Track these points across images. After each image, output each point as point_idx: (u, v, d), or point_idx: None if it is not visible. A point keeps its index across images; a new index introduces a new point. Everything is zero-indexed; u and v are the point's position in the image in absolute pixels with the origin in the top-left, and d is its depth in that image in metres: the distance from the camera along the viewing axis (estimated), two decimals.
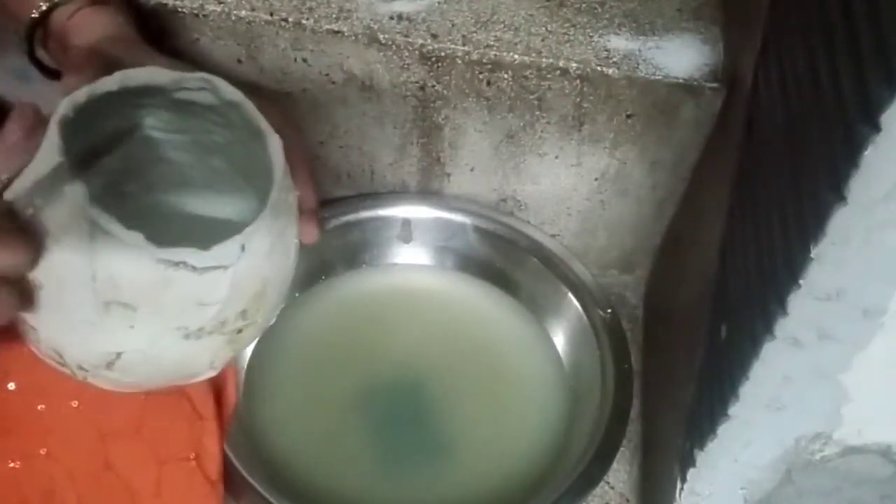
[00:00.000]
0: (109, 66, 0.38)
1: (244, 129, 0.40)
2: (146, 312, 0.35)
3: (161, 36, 0.54)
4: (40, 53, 0.47)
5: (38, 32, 0.46)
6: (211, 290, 0.35)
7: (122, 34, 0.45)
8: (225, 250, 0.35)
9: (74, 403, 0.46)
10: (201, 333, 0.36)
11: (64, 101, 0.34)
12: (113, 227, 0.32)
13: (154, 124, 0.42)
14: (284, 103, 0.57)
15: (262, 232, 0.36)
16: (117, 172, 0.43)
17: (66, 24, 0.45)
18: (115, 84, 0.36)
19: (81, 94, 0.35)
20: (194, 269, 0.34)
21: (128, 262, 0.33)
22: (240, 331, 0.38)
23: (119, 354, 0.36)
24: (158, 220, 0.35)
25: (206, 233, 0.41)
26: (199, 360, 0.38)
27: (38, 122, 0.35)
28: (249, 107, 0.39)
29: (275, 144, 0.38)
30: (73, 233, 0.32)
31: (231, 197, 0.46)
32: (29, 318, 0.35)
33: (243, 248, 0.35)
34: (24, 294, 0.33)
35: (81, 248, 0.33)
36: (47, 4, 0.45)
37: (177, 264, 0.34)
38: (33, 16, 0.45)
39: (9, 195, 0.33)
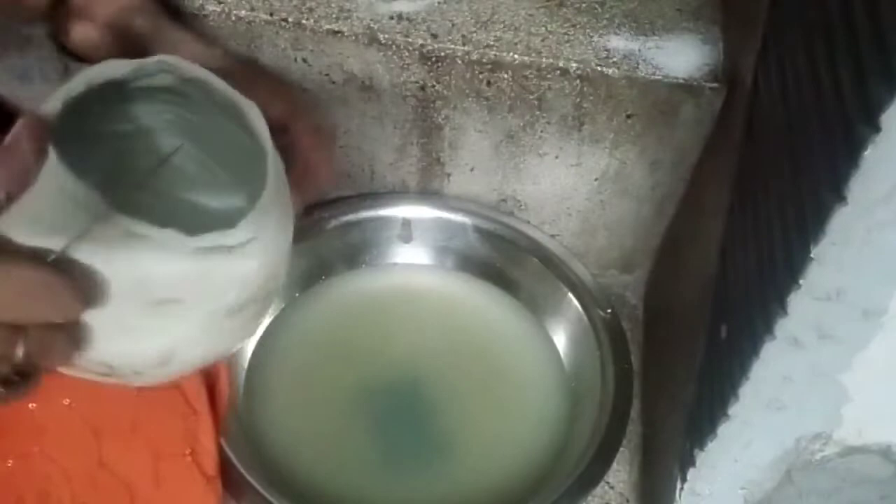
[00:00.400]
0: (129, 42, 0.37)
1: (209, 106, 0.40)
2: (193, 302, 0.35)
3: None
4: (63, 37, 0.47)
5: (60, 13, 0.45)
6: (246, 264, 0.36)
7: (144, 4, 0.44)
8: (252, 222, 0.36)
9: (66, 401, 0.46)
10: (243, 307, 0.37)
11: (49, 117, 0.34)
12: (147, 230, 0.33)
13: (118, 119, 0.42)
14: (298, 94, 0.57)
15: (273, 197, 0.37)
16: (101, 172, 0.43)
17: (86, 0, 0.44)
18: (81, 86, 0.35)
19: (55, 104, 0.34)
20: (230, 249, 0.35)
21: (167, 259, 0.33)
22: (267, 295, 0.39)
23: (173, 350, 0.36)
24: (142, 214, 0.35)
25: (190, 216, 0.42)
26: (238, 334, 0.39)
27: (46, 135, 0.35)
28: (216, 81, 0.39)
29: (253, 113, 0.38)
30: (109, 247, 0.32)
31: (205, 176, 0.46)
32: None
33: (265, 215, 0.36)
34: (80, 336, 0.33)
35: (120, 260, 0.33)
36: None
37: (213, 249, 0.34)
38: None
39: (36, 239, 0.33)
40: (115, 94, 0.39)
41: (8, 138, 0.34)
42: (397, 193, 0.65)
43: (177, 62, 0.38)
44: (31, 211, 0.32)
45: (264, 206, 0.36)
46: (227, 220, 0.47)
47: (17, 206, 0.33)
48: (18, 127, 0.34)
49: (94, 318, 0.33)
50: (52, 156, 0.32)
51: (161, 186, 0.46)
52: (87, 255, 0.32)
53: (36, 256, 0.31)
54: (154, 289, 0.34)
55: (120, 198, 0.41)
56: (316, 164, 0.44)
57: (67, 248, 0.32)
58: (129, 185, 0.45)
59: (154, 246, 0.33)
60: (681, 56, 0.53)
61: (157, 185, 0.46)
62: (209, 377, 0.50)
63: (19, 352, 0.29)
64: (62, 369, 0.36)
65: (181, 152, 0.44)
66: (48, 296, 0.30)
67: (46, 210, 0.32)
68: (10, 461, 0.45)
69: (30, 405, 0.45)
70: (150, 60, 0.38)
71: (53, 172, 0.32)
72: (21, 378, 0.30)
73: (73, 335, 0.32)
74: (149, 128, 0.43)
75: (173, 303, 0.35)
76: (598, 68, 0.52)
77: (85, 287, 0.31)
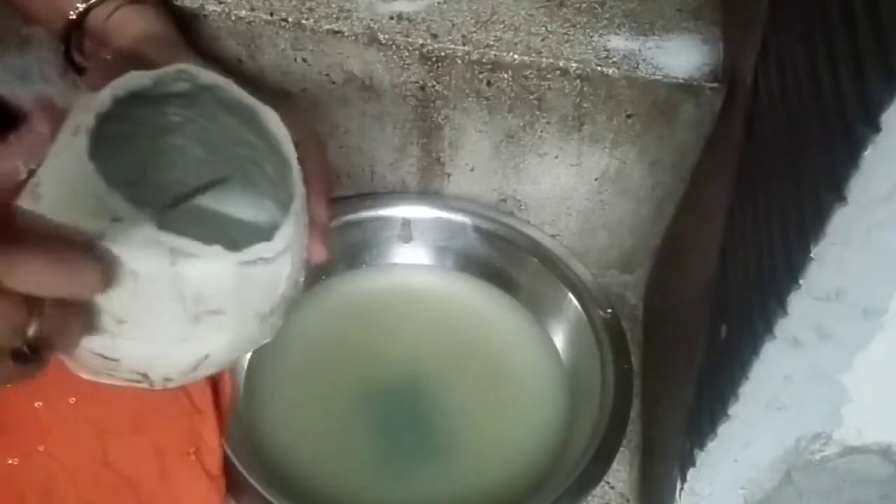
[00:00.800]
0: (145, 67, 0.38)
1: (224, 112, 0.40)
2: (232, 312, 0.36)
3: None
4: (74, 55, 0.47)
5: (73, 33, 0.46)
6: (280, 272, 0.38)
7: (161, 33, 0.45)
8: (285, 233, 0.37)
9: (72, 400, 0.46)
10: (273, 312, 0.39)
11: (82, 139, 0.33)
12: (193, 247, 0.33)
13: (135, 122, 0.42)
14: (295, 108, 0.57)
15: (298, 205, 0.38)
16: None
17: (105, 24, 0.45)
18: (108, 101, 0.36)
19: (89, 119, 0.34)
20: (268, 260, 0.36)
21: (212, 274, 0.34)
22: (291, 299, 0.40)
23: (207, 356, 0.37)
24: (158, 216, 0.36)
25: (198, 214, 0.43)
26: (263, 336, 0.40)
27: (59, 119, 0.35)
28: (233, 88, 0.39)
29: (272, 118, 0.39)
30: (153, 263, 0.33)
31: (213, 179, 0.46)
32: (108, 352, 0.35)
33: (295, 224, 0.38)
34: (91, 318, 0.33)
35: (165, 276, 0.33)
36: (85, 5, 0.45)
37: (254, 262, 0.36)
38: (70, 16, 0.45)
39: (67, 219, 0.33)
40: (134, 100, 0.39)
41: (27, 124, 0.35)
42: (397, 193, 0.65)
43: (196, 70, 0.39)
44: (66, 206, 0.33)
45: (294, 214, 0.38)
46: (232, 221, 0.47)
47: (53, 200, 0.33)
48: (37, 107, 0.35)
49: (136, 330, 0.34)
50: (90, 167, 0.33)
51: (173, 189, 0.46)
52: (130, 271, 0.33)
53: (67, 234, 0.31)
54: (199, 303, 0.35)
55: (143, 199, 0.42)
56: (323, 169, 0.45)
57: (98, 235, 0.32)
58: (153, 188, 0.45)
59: (198, 261, 0.34)
60: (681, 56, 0.53)
61: (171, 188, 0.46)
62: (213, 376, 0.50)
63: (33, 326, 0.29)
64: (87, 375, 0.37)
65: (186, 152, 0.45)
66: (71, 272, 0.30)
67: (82, 209, 0.33)
68: (15, 459, 0.45)
69: (35, 404, 0.46)
70: (170, 70, 0.38)
71: (91, 182, 0.33)
72: (32, 354, 0.30)
73: (86, 318, 0.33)
74: (163, 130, 0.43)
75: (215, 314, 0.36)
76: (598, 68, 0.52)
77: (107, 270, 0.32)
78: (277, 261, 0.37)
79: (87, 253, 0.31)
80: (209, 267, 0.34)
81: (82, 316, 0.32)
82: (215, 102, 0.40)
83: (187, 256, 0.33)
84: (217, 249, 0.34)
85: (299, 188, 0.38)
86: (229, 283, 0.35)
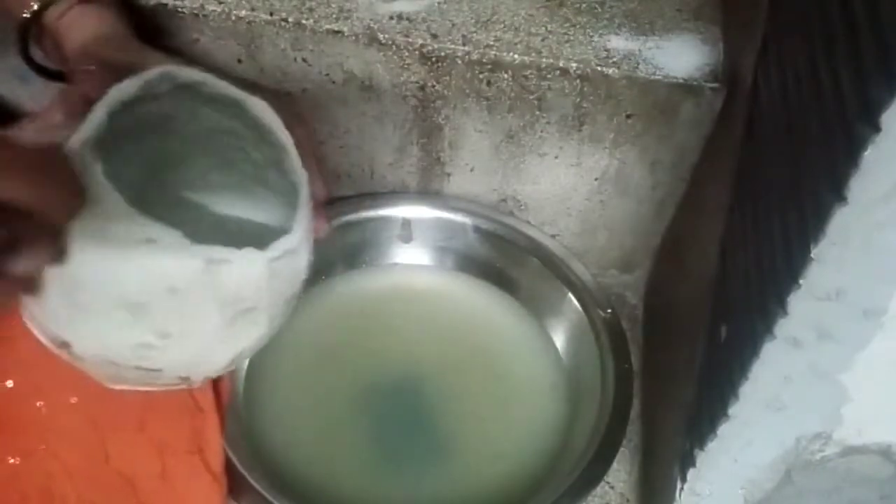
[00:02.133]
0: (105, 69, 0.38)
1: (202, 104, 0.41)
2: (265, 306, 0.37)
3: (161, 36, 0.54)
4: (35, 53, 0.47)
5: (32, 31, 0.46)
6: (301, 259, 0.39)
7: (114, 32, 0.45)
8: (301, 222, 0.38)
9: (73, 400, 0.46)
10: (295, 295, 0.40)
11: (97, 164, 0.33)
12: (227, 253, 0.34)
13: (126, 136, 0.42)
14: (290, 100, 0.57)
15: (306, 192, 0.39)
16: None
17: (57, 24, 0.45)
18: (104, 117, 0.36)
19: (87, 140, 0.34)
20: (292, 251, 0.37)
21: (247, 276, 0.35)
22: (306, 278, 0.41)
23: (243, 350, 0.38)
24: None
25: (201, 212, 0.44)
26: (287, 316, 0.41)
27: (83, 107, 0.35)
28: (215, 82, 0.39)
29: (259, 107, 0.39)
30: (192, 276, 0.34)
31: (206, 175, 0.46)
32: (151, 364, 0.36)
33: (306, 211, 0.39)
34: (60, 245, 0.31)
35: (203, 285, 0.34)
36: (38, 4, 0.45)
37: (281, 256, 0.36)
38: (24, 15, 0.45)
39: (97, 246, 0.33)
40: (132, 112, 0.39)
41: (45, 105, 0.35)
42: (397, 193, 0.65)
43: (178, 70, 0.39)
44: (94, 234, 0.32)
45: (304, 202, 0.38)
46: (224, 212, 0.48)
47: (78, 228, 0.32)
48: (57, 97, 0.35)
49: (179, 341, 0.35)
50: (116, 195, 0.33)
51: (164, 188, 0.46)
52: (170, 287, 0.33)
53: (50, 147, 0.31)
54: (236, 304, 0.35)
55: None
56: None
57: (81, 147, 0.32)
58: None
59: (231, 265, 0.34)
60: (681, 56, 0.53)
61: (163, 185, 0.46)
62: None
63: None
64: (120, 386, 0.37)
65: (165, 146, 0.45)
66: (50, 177, 0.28)
67: (111, 236, 0.33)
68: (17, 459, 0.45)
69: (37, 403, 0.46)
70: (152, 74, 0.38)
71: (117, 208, 0.33)
72: None
73: (55, 238, 0.30)
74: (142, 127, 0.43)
75: (250, 311, 0.36)
76: (598, 68, 0.52)
77: (81, 194, 0.30)
78: (299, 249, 0.38)
79: (70, 166, 0.30)
80: (244, 269, 0.35)
81: (52, 239, 0.30)
82: (192, 96, 0.40)
83: (222, 263, 0.34)
84: (250, 251, 0.35)
85: (303, 174, 0.39)
86: (262, 280, 0.36)
